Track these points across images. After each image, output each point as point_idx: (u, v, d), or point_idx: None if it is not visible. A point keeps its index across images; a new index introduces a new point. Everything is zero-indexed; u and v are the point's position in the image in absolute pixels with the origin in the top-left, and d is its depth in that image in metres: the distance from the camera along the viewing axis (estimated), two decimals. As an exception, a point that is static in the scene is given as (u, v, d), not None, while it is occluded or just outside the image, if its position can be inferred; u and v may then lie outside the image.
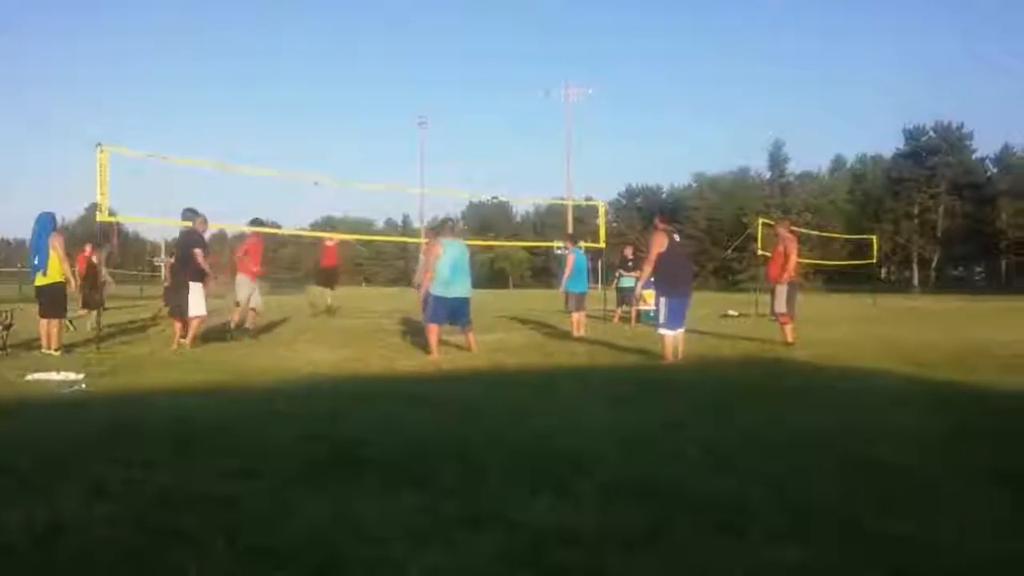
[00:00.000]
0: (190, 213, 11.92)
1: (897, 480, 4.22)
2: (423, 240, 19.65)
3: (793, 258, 12.01)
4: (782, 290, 11.93)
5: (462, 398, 7.00)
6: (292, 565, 2.97)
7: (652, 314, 18.69)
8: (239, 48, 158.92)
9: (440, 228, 11.22)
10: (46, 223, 10.91)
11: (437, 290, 10.75)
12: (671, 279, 10.08)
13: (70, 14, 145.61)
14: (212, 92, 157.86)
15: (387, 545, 3.17)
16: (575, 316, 14.70)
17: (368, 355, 10.56)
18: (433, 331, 10.70)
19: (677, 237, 10.71)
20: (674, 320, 9.95)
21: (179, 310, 11.55)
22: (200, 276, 11.56)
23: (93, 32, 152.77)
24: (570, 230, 31.14)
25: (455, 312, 10.94)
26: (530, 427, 5.64)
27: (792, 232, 12.68)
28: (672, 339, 9.96)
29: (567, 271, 15.17)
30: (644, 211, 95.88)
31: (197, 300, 11.43)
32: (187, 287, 11.37)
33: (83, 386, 7.66)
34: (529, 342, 13.07)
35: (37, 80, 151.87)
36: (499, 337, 13.82)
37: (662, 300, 10.08)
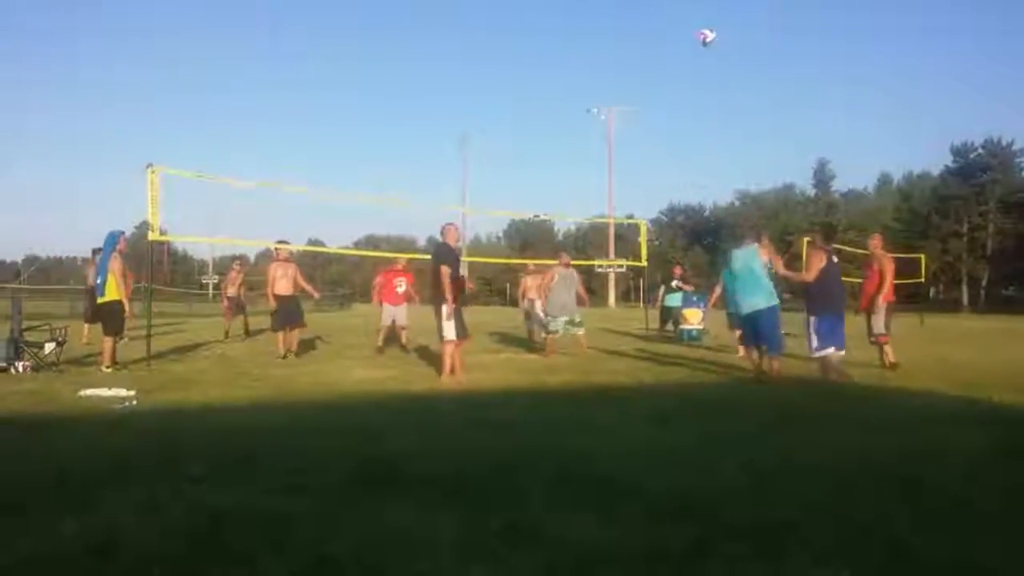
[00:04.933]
0: (449, 226, 10.54)
1: (941, 500, 4.17)
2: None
3: (890, 278, 11.48)
4: (881, 311, 11.43)
5: (508, 416, 7.04)
6: (338, 579, 3.03)
7: (695, 333, 18.67)
8: (284, 71, 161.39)
9: (745, 234, 10.50)
10: (110, 242, 11.12)
11: (730, 307, 10.46)
12: (825, 298, 9.71)
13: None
14: (253, 115, 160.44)
15: (430, 560, 3.22)
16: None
17: (411, 373, 10.63)
18: (746, 352, 10.38)
19: (835, 258, 10.16)
20: (830, 339, 9.59)
21: (440, 334, 10.21)
22: (457, 296, 10.15)
23: (136, 55, 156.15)
24: (611, 249, 31.04)
25: (756, 329, 9.99)
26: (576, 445, 5.66)
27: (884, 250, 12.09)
28: (836, 358, 9.63)
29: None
30: (687, 229, 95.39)
31: (447, 323, 10.02)
32: (437, 309, 10.09)
33: (134, 402, 7.83)
34: (570, 361, 13.06)
35: (94, 98, 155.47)
36: (537, 356, 13.87)
37: (812, 320, 9.65)
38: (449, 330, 10.02)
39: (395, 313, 15.13)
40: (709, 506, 3.99)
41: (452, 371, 10.03)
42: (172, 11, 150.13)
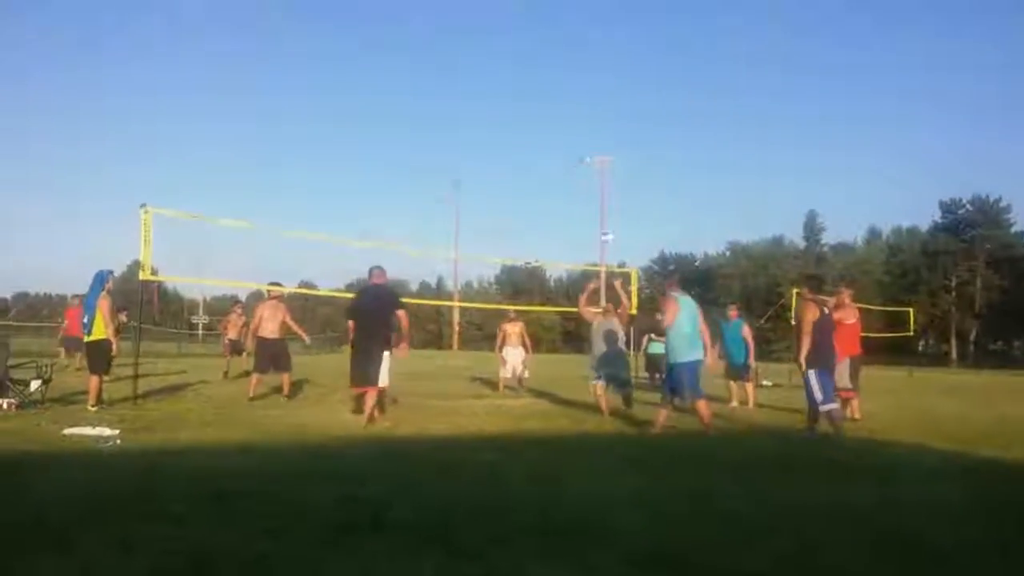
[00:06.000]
0: (378, 270, 10.60)
1: (918, 554, 4.19)
2: (455, 303, 19.46)
3: (848, 325, 11.37)
4: (844, 364, 11.22)
5: (490, 462, 7.05)
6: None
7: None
8: (274, 114, 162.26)
9: (670, 280, 10.24)
10: (98, 281, 11.15)
11: (683, 355, 9.45)
12: (819, 351, 9.49)
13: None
14: (246, 154, 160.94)
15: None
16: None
17: (398, 418, 10.61)
18: (703, 405, 9.52)
19: (827, 310, 9.89)
20: (832, 391, 9.48)
21: (365, 378, 10.08)
22: (391, 342, 10.40)
23: (134, 93, 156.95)
24: (602, 296, 30.93)
25: (692, 377, 9.52)
26: (555, 493, 5.67)
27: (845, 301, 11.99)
28: (839, 411, 9.51)
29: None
30: (678, 278, 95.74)
31: (384, 368, 10.12)
32: (379, 352, 10.08)
33: (118, 442, 7.81)
34: (556, 408, 13.05)
35: (86, 135, 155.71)
36: (529, 402, 13.87)
37: (812, 373, 9.36)
38: (386, 376, 10.18)
39: None
40: (682, 556, 4.00)
41: (377, 412, 10.15)
42: (159, 52, 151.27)
